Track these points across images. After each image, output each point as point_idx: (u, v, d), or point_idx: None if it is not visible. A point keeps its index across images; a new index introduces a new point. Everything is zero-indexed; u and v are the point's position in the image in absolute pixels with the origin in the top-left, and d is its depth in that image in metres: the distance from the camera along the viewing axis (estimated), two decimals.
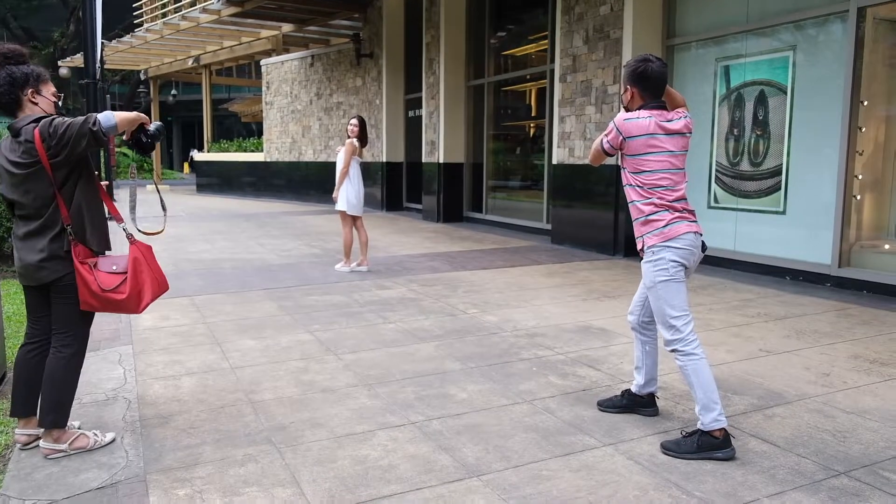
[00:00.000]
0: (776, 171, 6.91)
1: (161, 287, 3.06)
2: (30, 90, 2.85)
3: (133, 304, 2.94)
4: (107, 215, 3.12)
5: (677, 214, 2.97)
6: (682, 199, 3.01)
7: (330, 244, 9.33)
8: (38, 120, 2.80)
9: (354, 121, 7.32)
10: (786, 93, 6.78)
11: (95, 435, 3.03)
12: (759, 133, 7.09)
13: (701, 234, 3.04)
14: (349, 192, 7.21)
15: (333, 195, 7.27)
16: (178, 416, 3.35)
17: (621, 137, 2.99)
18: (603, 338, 4.70)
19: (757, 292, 6.16)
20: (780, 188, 6.89)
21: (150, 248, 3.10)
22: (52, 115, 2.88)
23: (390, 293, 6.18)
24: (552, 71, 9.63)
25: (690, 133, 3.06)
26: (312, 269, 7.43)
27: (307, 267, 7.60)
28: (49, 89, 2.93)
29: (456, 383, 3.79)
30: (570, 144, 8.96)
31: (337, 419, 3.30)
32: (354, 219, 7.31)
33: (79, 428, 3.09)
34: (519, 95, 11.89)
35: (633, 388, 3.34)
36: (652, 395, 3.34)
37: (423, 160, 12.95)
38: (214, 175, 21.27)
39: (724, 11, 7.43)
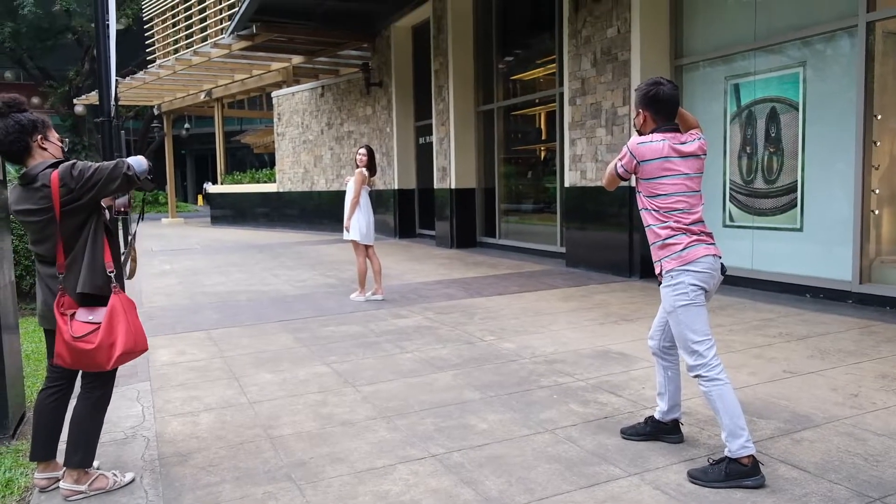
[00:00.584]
0: (791, 188, 6.86)
1: (137, 343, 2.90)
2: (39, 136, 2.87)
3: (103, 357, 2.80)
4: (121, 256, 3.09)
5: (695, 237, 2.94)
6: (699, 221, 2.99)
7: (344, 273, 9.34)
8: (54, 165, 2.82)
9: (363, 150, 7.38)
10: (797, 109, 6.75)
11: (115, 475, 3.02)
12: (772, 150, 7.06)
13: (720, 257, 3.01)
14: (360, 222, 7.24)
15: (345, 225, 7.30)
16: (196, 454, 3.33)
17: (635, 161, 2.98)
18: (623, 363, 4.65)
19: (777, 311, 6.08)
20: (795, 205, 6.83)
21: (132, 303, 2.97)
22: (62, 160, 2.89)
23: (406, 322, 6.16)
24: (561, 94, 9.67)
25: (705, 154, 3.04)
26: (328, 300, 7.42)
27: (322, 297, 7.60)
28: (54, 135, 2.95)
29: (476, 413, 3.75)
30: (581, 167, 8.96)
31: (357, 453, 3.26)
32: (367, 247, 7.32)
33: (98, 468, 3.08)
34: (529, 119, 11.94)
35: (657, 415, 3.29)
36: (676, 422, 3.28)
37: (435, 186, 12.98)
38: (228, 207, 21.45)
39: (732, 30, 7.44)
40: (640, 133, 3.10)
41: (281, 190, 19.18)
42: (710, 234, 3.01)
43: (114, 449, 3.43)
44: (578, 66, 8.91)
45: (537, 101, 11.30)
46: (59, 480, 2.96)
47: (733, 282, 7.21)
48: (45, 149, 2.88)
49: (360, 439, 3.44)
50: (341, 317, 6.48)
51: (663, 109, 3.01)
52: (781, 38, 6.88)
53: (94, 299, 2.86)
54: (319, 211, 17.52)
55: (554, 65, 10.34)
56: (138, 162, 2.89)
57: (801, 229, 6.81)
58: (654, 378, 3.41)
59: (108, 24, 5.97)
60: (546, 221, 10.89)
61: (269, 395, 4.18)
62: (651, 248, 3.07)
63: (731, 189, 7.47)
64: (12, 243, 7.14)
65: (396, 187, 14.69)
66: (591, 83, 8.71)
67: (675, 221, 2.94)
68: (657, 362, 3.28)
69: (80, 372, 2.98)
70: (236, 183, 21.86)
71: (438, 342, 5.37)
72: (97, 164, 2.83)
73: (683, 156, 2.96)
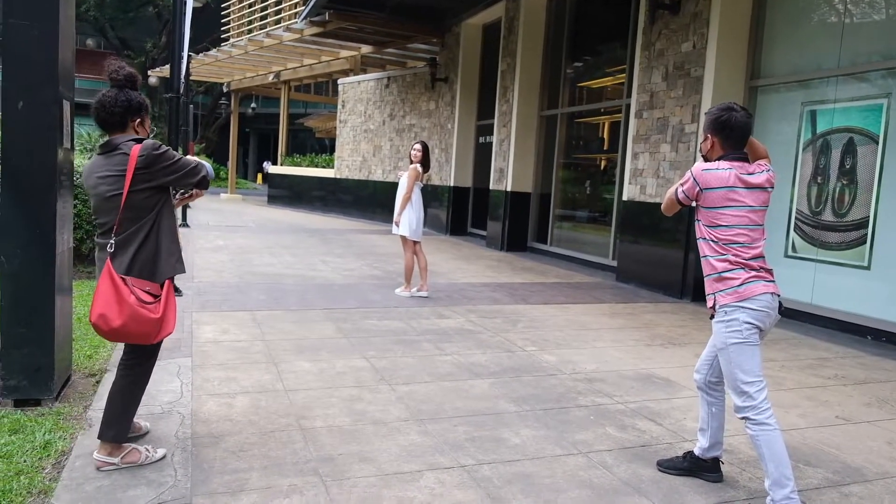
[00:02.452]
0: (862, 224, 6.55)
1: (175, 325, 3.04)
2: (137, 119, 3.03)
3: (154, 328, 2.89)
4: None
5: (754, 273, 2.81)
6: (760, 256, 2.85)
7: (391, 266, 9.36)
8: (138, 140, 2.95)
9: (418, 146, 7.35)
10: (877, 142, 6.43)
11: (147, 450, 3.07)
12: (844, 182, 6.75)
13: (778, 295, 2.86)
14: (410, 217, 7.23)
15: (395, 219, 7.30)
16: (228, 437, 3.35)
17: (698, 188, 2.86)
18: (666, 389, 4.50)
19: (835, 351, 5.82)
20: (865, 241, 6.52)
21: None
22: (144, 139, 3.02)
23: (449, 323, 6.11)
24: (628, 106, 9.47)
25: (772, 188, 2.90)
26: (373, 292, 7.44)
27: (368, 289, 7.62)
28: (148, 121, 3.13)
29: (509, 426, 3.68)
30: (641, 182, 8.76)
31: (385, 455, 3.23)
32: (415, 243, 7.31)
33: (145, 424, 3.25)
34: (592, 128, 11.74)
35: (697, 451, 3.16)
36: (716, 460, 3.15)
37: (491, 187, 12.90)
38: (285, 188, 21.79)
39: (814, 54, 7.15)
40: (706, 159, 2.97)
41: (338, 176, 19.37)
42: (769, 271, 2.87)
43: (150, 423, 3.48)
44: (648, 79, 8.70)
45: (602, 110, 11.10)
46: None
47: (790, 315, 6.93)
48: (136, 131, 3.03)
49: (391, 440, 3.41)
50: (384, 311, 6.48)
51: (733, 137, 2.88)
52: (867, 66, 6.57)
53: (146, 274, 2.93)
54: (374, 200, 17.64)
55: (623, 75, 10.13)
56: (209, 169, 3.12)
57: (868, 267, 6.50)
58: (697, 410, 3.28)
59: (185, 5, 6.08)
60: (599, 233, 10.70)
61: (305, 385, 4.19)
62: (705, 279, 2.94)
63: (796, 218, 7.19)
64: (76, 207, 7.42)
65: (452, 184, 14.66)
66: (660, 97, 8.50)
67: (733, 255, 2.81)
68: (701, 397, 3.15)
69: (124, 347, 3.06)
70: (295, 165, 22.18)
71: (478, 347, 5.31)
72: (181, 155, 3.02)
73: (750, 187, 2.83)
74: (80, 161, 8.15)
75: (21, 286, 3.66)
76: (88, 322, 5.30)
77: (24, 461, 3.02)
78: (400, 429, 3.57)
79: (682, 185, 2.95)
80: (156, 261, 2.95)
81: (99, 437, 3.01)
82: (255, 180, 42.26)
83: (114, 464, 2.97)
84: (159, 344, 3.08)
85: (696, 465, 3.15)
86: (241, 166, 43.89)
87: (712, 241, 2.88)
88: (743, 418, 2.81)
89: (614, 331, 6.17)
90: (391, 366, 4.69)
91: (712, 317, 2.93)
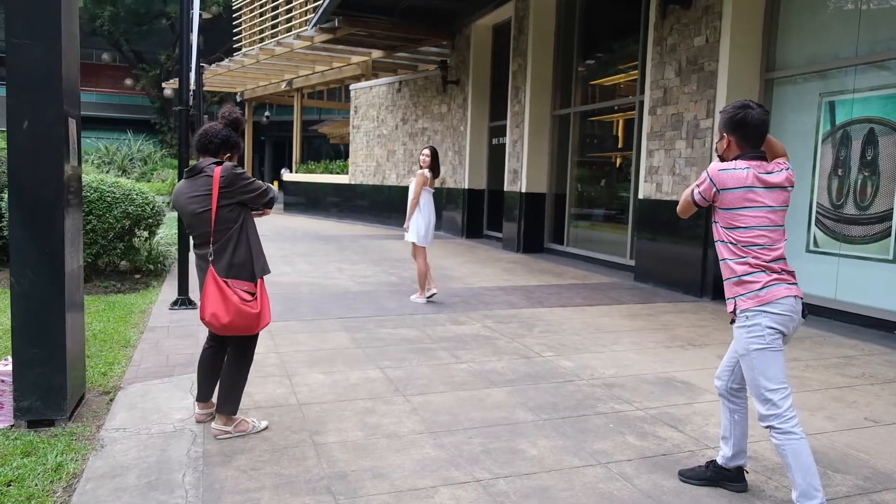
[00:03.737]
0: (885, 216, 6.38)
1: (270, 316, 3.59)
2: (229, 154, 3.55)
3: (255, 321, 3.40)
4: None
5: (775, 276, 2.71)
6: (781, 258, 2.75)
7: (407, 272, 9.30)
8: (219, 163, 3.43)
9: (426, 151, 7.31)
10: None
11: (254, 421, 3.63)
12: (866, 174, 6.59)
13: (801, 298, 2.76)
14: (419, 223, 7.17)
15: (405, 226, 7.26)
16: (240, 455, 3.31)
17: (714, 189, 2.76)
18: (687, 393, 4.40)
19: (861, 348, 5.67)
20: (889, 234, 6.36)
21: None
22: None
23: (464, 329, 6.04)
24: (641, 103, 9.34)
25: (792, 187, 2.79)
26: (389, 299, 7.38)
27: (384, 296, 7.57)
28: (235, 159, 3.60)
29: (526, 437, 3.60)
30: (657, 179, 8.63)
31: (400, 471, 3.17)
32: (424, 249, 7.25)
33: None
34: (605, 126, 11.61)
35: (720, 460, 3.06)
36: (740, 469, 3.04)
37: (505, 188, 12.81)
38: (301, 195, 21.84)
39: (831, 44, 6.99)
40: (722, 158, 2.88)
41: (353, 182, 19.37)
42: (791, 273, 2.76)
43: (161, 441, 3.45)
44: (662, 75, 8.57)
45: (616, 107, 10.97)
46: (212, 416, 3.60)
47: (814, 311, 6.77)
48: (222, 162, 3.46)
49: (405, 455, 3.34)
50: (400, 318, 6.42)
51: (750, 135, 2.78)
52: (887, 54, 6.40)
53: (244, 275, 3.44)
54: (389, 205, 17.60)
55: (636, 72, 10.00)
56: (275, 192, 3.67)
57: (893, 260, 6.33)
58: (719, 416, 3.18)
59: (192, 19, 6.07)
60: (616, 232, 10.57)
61: (319, 398, 4.14)
62: (725, 284, 2.84)
63: (817, 212, 7.03)
64: (91, 223, 7.45)
65: (466, 187, 14.58)
66: (673, 93, 8.37)
67: (753, 257, 2.71)
68: (723, 404, 3.05)
69: (228, 338, 3.55)
70: (310, 172, 22.23)
71: (495, 354, 5.23)
72: (255, 179, 3.54)
73: (769, 187, 2.73)
74: (97, 177, 8.19)
75: (32, 306, 3.65)
76: (103, 339, 5.32)
77: (36, 485, 2.99)
78: (414, 442, 3.50)
79: (698, 186, 2.85)
80: (249, 263, 3.45)
81: (217, 412, 3.55)
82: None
83: (228, 432, 3.50)
84: (258, 333, 3.57)
85: (720, 475, 3.05)
86: (258, 174, 44.15)
87: (731, 243, 2.78)
88: (767, 426, 2.71)
89: (633, 333, 6.07)
90: (406, 376, 4.63)
91: (733, 321, 2.83)
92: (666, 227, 8.46)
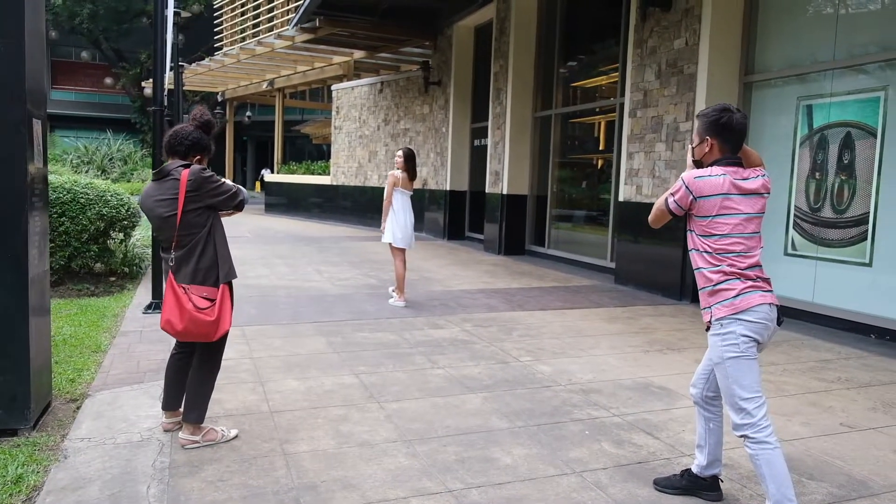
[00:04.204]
0: (862, 220, 6.41)
1: (231, 322, 3.44)
2: (198, 156, 3.48)
3: (213, 328, 3.30)
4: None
5: (750, 283, 2.68)
6: (757, 265, 2.72)
7: (387, 274, 9.22)
8: (186, 165, 3.35)
9: (400, 152, 7.33)
10: (875, 136, 6.30)
11: (223, 430, 3.54)
12: (843, 177, 6.62)
13: (777, 306, 2.73)
14: (394, 225, 7.14)
15: (381, 227, 7.24)
16: (208, 466, 3.22)
17: (691, 197, 2.73)
18: (664, 398, 4.37)
19: (837, 352, 5.68)
20: (866, 237, 6.39)
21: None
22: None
23: (442, 333, 5.99)
24: (622, 105, 9.34)
25: (769, 193, 2.77)
26: (367, 302, 7.31)
27: (362, 299, 7.50)
28: (205, 161, 3.54)
29: (501, 445, 3.55)
30: (637, 182, 8.63)
31: (371, 481, 3.10)
32: (399, 250, 7.22)
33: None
34: (587, 128, 11.61)
35: (695, 469, 3.03)
36: (715, 478, 3.01)
37: (487, 190, 12.77)
38: (283, 196, 21.68)
39: (809, 48, 7.01)
40: (698, 163, 2.84)
41: (335, 183, 19.25)
42: (767, 280, 2.74)
43: (127, 451, 3.36)
44: (642, 77, 8.57)
45: (597, 109, 10.97)
46: (180, 425, 3.50)
47: (792, 314, 6.80)
48: (190, 165, 3.38)
49: (377, 464, 3.28)
50: (377, 322, 6.35)
51: (732, 139, 2.76)
52: (863, 59, 6.43)
53: (209, 281, 3.36)
54: (371, 206, 17.50)
55: (616, 74, 10.00)
56: (246, 194, 3.58)
57: (870, 264, 6.37)
58: (695, 423, 3.14)
59: (166, 18, 5.97)
60: (597, 234, 10.56)
61: (292, 405, 4.06)
62: (700, 293, 2.81)
63: (795, 215, 7.05)
64: (64, 225, 7.31)
65: (448, 188, 14.52)
66: (653, 95, 8.37)
67: (728, 265, 2.68)
68: (698, 412, 3.02)
69: (198, 344, 3.47)
70: (291, 173, 22.08)
71: (472, 359, 5.18)
72: (224, 179, 3.45)
73: (745, 193, 2.70)
74: (71, 177, 8.05)
75: None
76: (73, 344, 5.21)
77: None
78: (387, 451, 3.44)
79: (672, 194, 2.81)
80: (215, 268, 3.37)
81: (183, 420, 3.46)
82: (253, 188, 42.16)
83: (196, 441, 3.41)
84: (223, 339, 3.48)
85: (695, 484, 3.02)
86: (240, 174, 43.81)
87: (705, 251, 2.75)
88: (741, 436, 2.68)
89: (612, 337, 6.04)
90: (381, 381, 4.56)
91: (708, 328, 2.80)
92: (645, 229, 8.45)
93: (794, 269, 6.98)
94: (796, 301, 6.83)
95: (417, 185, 15.36)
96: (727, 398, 2.73)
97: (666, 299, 7.91)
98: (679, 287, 7.89)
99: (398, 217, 7.16)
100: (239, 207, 3.54)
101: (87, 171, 21.35)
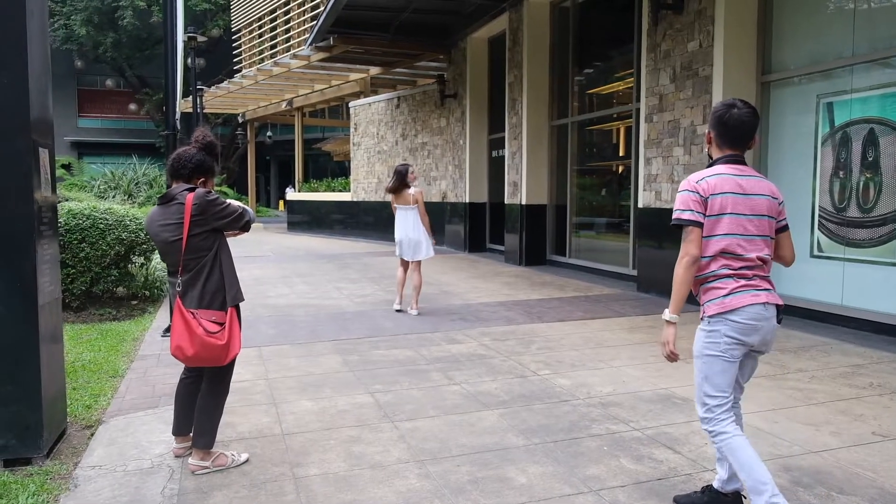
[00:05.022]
0: (890, 218, 6.21)
1: (240, 346, 3.44)
2: (202, 178, 3.48)
3: (223, 353, 3.27)
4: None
5: (742, 283, 2.63)
6: (755, 265, 2.66)
7: (406, 289, 9.15)
8: (191, 189, 3.34)
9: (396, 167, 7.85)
10: None
11: (233, 455, 3.51)
12: (868, 176, 6.43)
13: (775, 305, 2.67)
14: (397, 238, 7.69)
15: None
16: (217, 492, 3.18)
17: (701, 197, 2.67)
18: (686, 410, 4.24)
19: (869, 356, 5.49)
20: (895, 236, 6.19)
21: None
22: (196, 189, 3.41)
23: (460, 348, 5.91)
24: (637, 110, 9.22)
25: (775, 198, 2.70)
26: (385, 318, 7.26)
27: (380, 315, 7.45)
28: (211, 184, 3.53)
29: (516, 463, 3.45)
30: (656, 187, 8.49)
31: None
32: (409, 262, 7.71)
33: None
34: (604, 135, 11.49)
35: (716, 484, 2.91)
36: (738, 493, 2.89)
37: (506, 201, 12.69)
38: (305, 213, 21.81)
39: (827, 44, 6.85)
40: (711, 156, 2.81)
41: (355, 199, 19.32)
42: (764, 279, 2.67)
43: (136, 479, 3.33)
44: (656, 82, 8.46)
45: (613, 116, 10.85)
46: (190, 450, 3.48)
47: (820, 318, 6.61)
48: (195, 188, 3.37)
49: (388, 486, 3.21)
50: (394, 339, 6.29)
51: (728, 134, 2.71)
52: (884, 53, 6.26)
53: (215, 304, 3.34)
54: (391, 221, 17.41)
55: (631, 79, 9.89)
56: (252, 214, 3.58)
57: None
58: None
59: (176, 44, 6.02)
60: (618, 242, 10.41)
61: (304, 427, 4.01)
62: (696, 291, 2.78)
63: (820, 216, 6.86)
64: (84, 251, 7.39)
65: (468, 200, 14.47)
66: (669, 99, 8.25)
67: (723, 265, 2.65)
68: None
69: (205, 368, 3.44)
70: (312, 191, 22.21)
71: (489, 374, 5.09)
72: (229, 201, 3.45)
73: (746, 193, 2.64)
74: (90, 204, 8.14)
75: (2, 341, 3.54)
76: (91, 369, 5.22)
77: None
78: (399, 472, 3.37)
79: (682, 209, 2.70)
80: (222, 291, 3.35)
81: (193, 446, 3.44)
82: (276, 207, 42.53)
83: (206, 467, 3.38)
84: (232, 363, 3.45)
85: (716, 500, 2.90)
86: (263, 194, 44.25)
87: (707, 253, 2.71)
88: (704, 429, 2.75)
89: (633, 347, 5.91)
90: (396, 400, 4.49)
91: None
92: (667, 235, 8.31)
93: (821, 271, 6.79)
94: (824, 304, 6.64)
95: (436, 198, 15.37)
96: (696, 390, 2.78)
97: (689, 306, 7.70)
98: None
99: (397, 231, 7.71)
100: (245, 228, 3.53)
101: (113, 196, 21.68)
